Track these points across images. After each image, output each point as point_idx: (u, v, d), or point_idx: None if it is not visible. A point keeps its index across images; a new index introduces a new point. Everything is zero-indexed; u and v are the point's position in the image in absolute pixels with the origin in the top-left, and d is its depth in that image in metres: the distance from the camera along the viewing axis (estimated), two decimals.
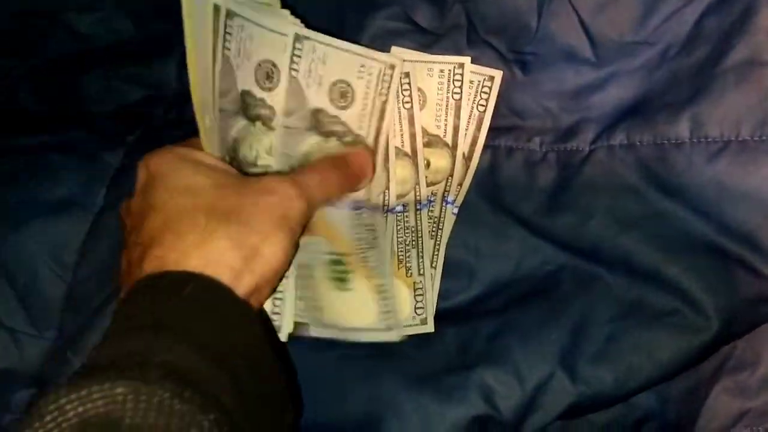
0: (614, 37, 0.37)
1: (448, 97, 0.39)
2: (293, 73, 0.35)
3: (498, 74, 0.39)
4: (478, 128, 0.39)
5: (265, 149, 0.36)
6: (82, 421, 0.20)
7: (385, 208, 0.39)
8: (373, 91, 0.36)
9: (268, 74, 0.35)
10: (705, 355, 0.35)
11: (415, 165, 0.39)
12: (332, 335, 0.35)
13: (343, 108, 0.36)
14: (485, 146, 0.40)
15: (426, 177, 0.40)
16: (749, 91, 0.35)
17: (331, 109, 0.36)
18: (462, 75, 0.39)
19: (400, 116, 0.38)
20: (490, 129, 0.40)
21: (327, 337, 0.35)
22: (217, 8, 0.32)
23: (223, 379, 0.24)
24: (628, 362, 0.34)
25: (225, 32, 0.33)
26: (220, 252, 0.28)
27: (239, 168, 0.35)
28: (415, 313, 0.38)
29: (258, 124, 0.36)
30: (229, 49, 0.33)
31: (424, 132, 0.40)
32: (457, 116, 0.40)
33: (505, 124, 0.41)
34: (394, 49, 0.40)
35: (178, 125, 0.43)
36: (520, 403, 0.34)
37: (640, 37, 0.37)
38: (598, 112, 0.39)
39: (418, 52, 0.40)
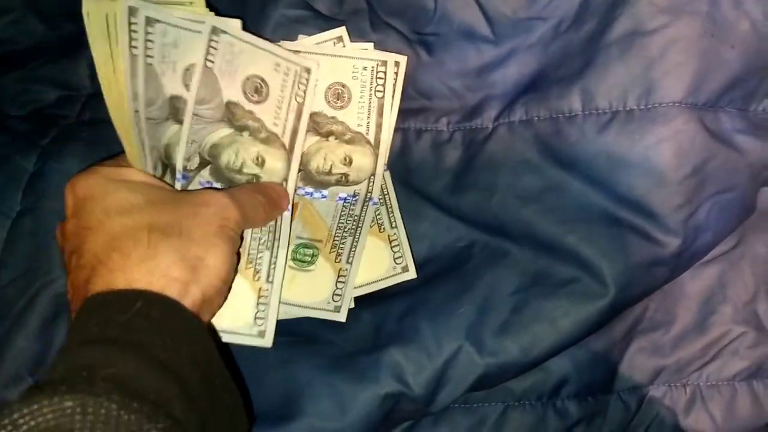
0: (508, 14, 0.38)
1: (370, 96, 0.39)
2: (208, 64, 0.35)
3: (401, 59, 0.39)
4: (380, 114, 0.39)
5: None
6: None
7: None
8: (289, 90, 0.37)
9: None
10: (605, 319, 0.36)
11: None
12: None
13: (258, 103, 0.37)
14: (396, 129, 0.40)
15: (348, 175, 0.40)
16: (633, 62, 0.35)
17: (246, 104, 0.37)
18: (385, 74, 0.39)
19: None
20: (400, 111, 0.40)
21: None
22: (133, 20, 0.32)
23: (173, 390, 0.25)
24: (532, 332, 0.35)
25: (146, 40, 0.33)
26: (166, 266, 0.29)
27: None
28: (332, 299, 0.38)
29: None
30: (152, 57, 0.33)
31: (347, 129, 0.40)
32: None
33: (413, 106, 0.41)
34: (300, 37, 0.40)
35: (91, 125, 0.43)
36: (430, 378, 0.35)
37: (533, 13, 0.38)
38: (500, 89, 0.40)
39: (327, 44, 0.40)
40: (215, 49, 0.35)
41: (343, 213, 0.39)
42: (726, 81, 0.36)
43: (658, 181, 0.35)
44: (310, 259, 0.38)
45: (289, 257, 0.38)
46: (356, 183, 0.40)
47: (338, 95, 0.38)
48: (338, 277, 0.38)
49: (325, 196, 0.40)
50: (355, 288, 0.38)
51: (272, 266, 0.36)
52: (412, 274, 0.38)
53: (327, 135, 0.39)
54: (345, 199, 0.40)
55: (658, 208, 0.35)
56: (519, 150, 0.38)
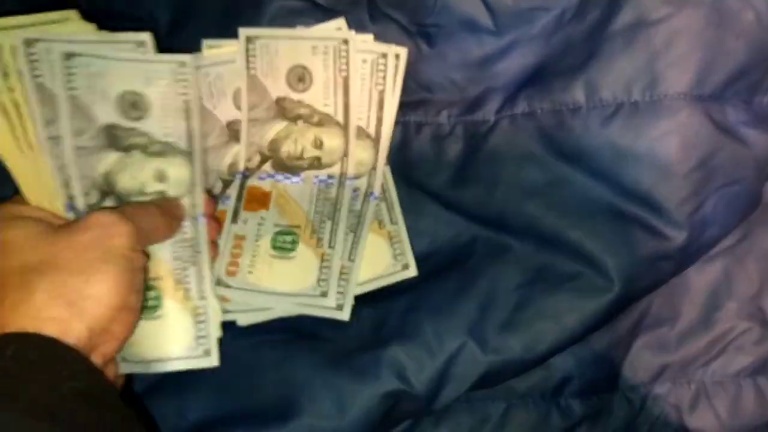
0: (510, 4, 0.37)
1: (335, 76, 0.38)
2: (251, 72, 0.37)
3: (402, 51, 0.39)
4: (380, 107, 0.38)
5: (152, 176, 0.36)
6: None
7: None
8: (332, 68, 0.37)
9: (133, 104, 0.35)
10: (610, 315, 0.36)
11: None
12: (261, 303, 0.37)
13: (304, 90, 0.38)
14: (396, 123, 0.40)
15: (321, 158, 0.39)
16: (637, 53, 0.35)
17: (294, 94, 0.38)
18: (347, 52, 0.38)
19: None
20: (400, 105, 0.39)
21: (255, 308, 0.37)
22: (31, 51, 0.32)
23: None
24: (535, 328, 0.35)
25: (68, 74, 0.33)
26: (38, 307, 0.28)
27: (120, 201, 0.35)
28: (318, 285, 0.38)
29: (136, 153, 0.35)
30: (76, 89, 0.33)
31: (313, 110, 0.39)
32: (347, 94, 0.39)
33: (414, 99, 0.40)
34: (298, 29, 0.39)
35: None
36: (432, 377, 0.35)
37: (536, 3, 0.37)
38: (502, 81, 0.39)
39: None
40: (254, 56, 0.37)
41: (319, 196, 0.39)
42: (731, 72, 0.35)
43: (663, 174, 0.34)
44: (290, 246, 0.37)
45: (269, 246, 0.37)
46: (329, 165, 0.39)
47: (300, 78, 0.37)
48: (322, 262, 0.37)
49: (299, 181, 0.39)
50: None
51: (333, 234, 0.38)
52: (412, 271, 0.38)
53: (295, 119, 0.38)
54: (321, 180, 0.39)
55: (664, 202, 0.34)
56: (522, 143, 0.37)
